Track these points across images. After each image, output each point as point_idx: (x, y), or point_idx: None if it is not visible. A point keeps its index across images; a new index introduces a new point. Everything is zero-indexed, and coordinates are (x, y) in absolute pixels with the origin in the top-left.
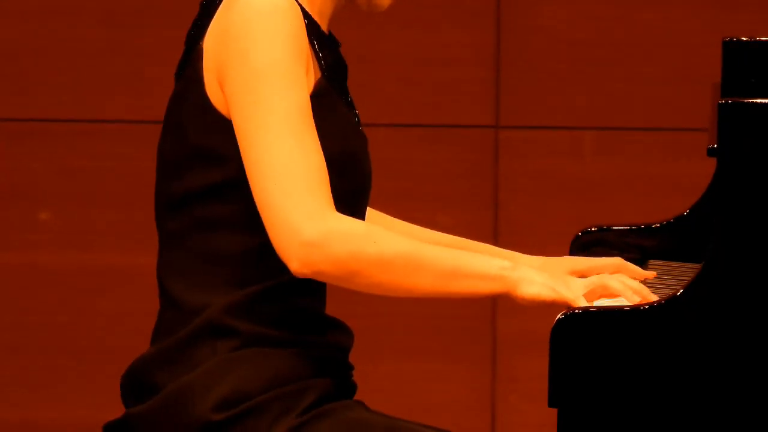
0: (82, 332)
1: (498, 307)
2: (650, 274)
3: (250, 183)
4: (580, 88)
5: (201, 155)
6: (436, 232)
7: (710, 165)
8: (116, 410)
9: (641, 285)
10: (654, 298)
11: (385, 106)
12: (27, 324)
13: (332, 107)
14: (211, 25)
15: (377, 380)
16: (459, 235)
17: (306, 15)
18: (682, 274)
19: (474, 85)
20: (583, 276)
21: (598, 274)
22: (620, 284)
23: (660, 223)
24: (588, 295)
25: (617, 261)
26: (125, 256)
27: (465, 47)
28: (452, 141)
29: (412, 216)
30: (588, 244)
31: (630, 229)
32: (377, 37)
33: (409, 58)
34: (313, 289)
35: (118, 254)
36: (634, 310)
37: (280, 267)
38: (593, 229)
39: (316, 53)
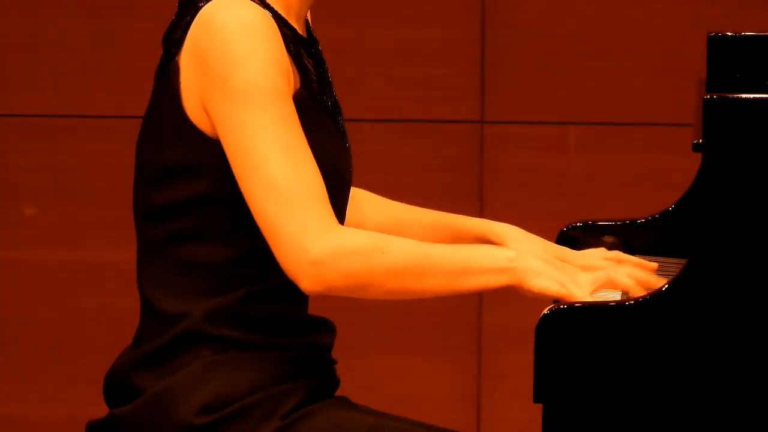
0: (65, 327)
1: (484, 302)
2: (652, 265)
3: (248, 205)
4: (565, 83)
5: (180, 169)
6: (423, 209)
7: (696, 160)
8: (100, 406)
9: (647, 274)
10: (661, 282)
11: (370, 101)
12: (10, 319)
13: (311, 118)
14: (186, 41)
15: (363, 375)
16: None
17: (284, 23)
18: (667, 269)
19: (459, 80)
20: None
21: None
22: (628, 279)
23: (645, 219)
24: (596, 291)
25: (616, 254)
26: (109, 251)
27: (450, 42)
28: (437, 136)
29: None
30: (573, 239)
31: (615, 224)
32: (362, 33)
33: (394, 53)
34: (292, 293)
35: (102, 249)
36: (620, 305)
37: (259, 274)
38: (578, 224)
39: (295, 64)
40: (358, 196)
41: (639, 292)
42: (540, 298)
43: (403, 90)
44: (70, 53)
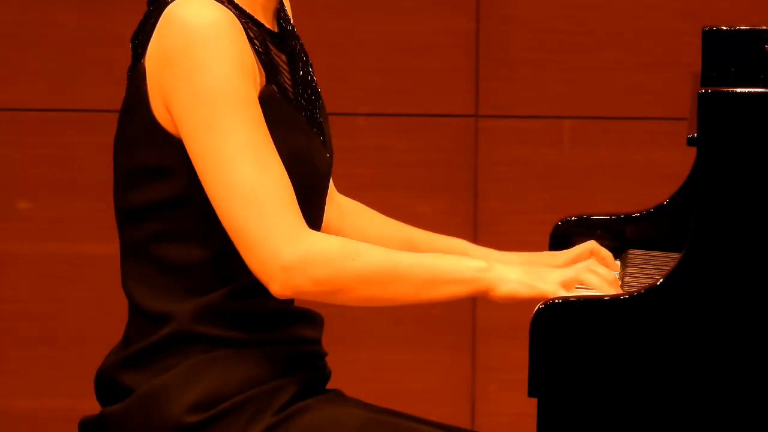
0: (57, 321)
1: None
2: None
3: (215, 209)
4: (560, 77)
5: (152, 171)
6: (411, 228)
7: (690, 154)
8: (93, 400)
9: (613, 275)
10: (618, 290)
11: (364, 95)
12: (3, 312)
13: (279, 113)
14: (151, 42)
15: (357, 369)
16: (439, 224)
17: (251, 19)
18: (661, 263)
19: (453, 74)
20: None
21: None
22: (595, 277)
23: (640, 213)
24: (565, 288)
25: (590, 245)
26: (99, 244)
27: (445, 36)
28: (432, 130)
29: (391, 204)
30: (567, 233)
31: (609, 219)
32: (356, 26)
33: (388, 46)
34: None
35: (93, 243)
36: (614, 300)
37: (241, 270)
38: (573, 218)
39: (260, 61)
40: (352, 207)
41: (607, 292)
42: (510, 303)
43: (396, 83)
44: (60, 47)
